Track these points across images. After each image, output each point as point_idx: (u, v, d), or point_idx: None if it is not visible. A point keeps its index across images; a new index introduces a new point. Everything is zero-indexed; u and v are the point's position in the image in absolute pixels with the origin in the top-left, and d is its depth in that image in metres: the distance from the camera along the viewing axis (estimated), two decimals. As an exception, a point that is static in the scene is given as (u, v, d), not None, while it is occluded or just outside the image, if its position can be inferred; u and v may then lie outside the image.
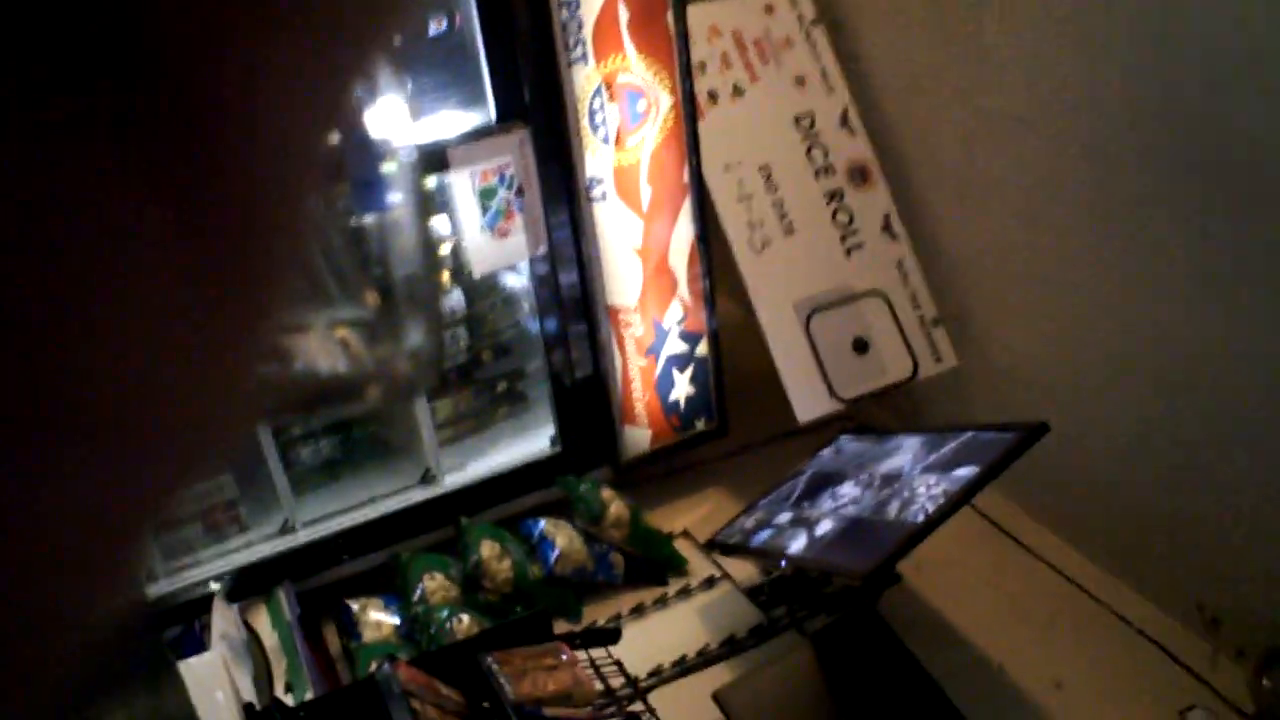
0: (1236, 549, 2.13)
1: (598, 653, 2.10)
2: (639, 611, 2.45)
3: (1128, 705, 2.15)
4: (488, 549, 2.38)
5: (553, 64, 2.24)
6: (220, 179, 0.19)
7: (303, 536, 2.43)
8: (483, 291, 2.61)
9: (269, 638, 2.25)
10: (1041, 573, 2.49)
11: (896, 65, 2.63)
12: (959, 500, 1.93)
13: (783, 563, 2.16)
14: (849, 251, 2.62)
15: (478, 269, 2.34)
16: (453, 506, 2.52)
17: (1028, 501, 2.64)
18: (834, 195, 2.63)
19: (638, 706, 2.03)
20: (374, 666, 1.87)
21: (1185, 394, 2.12)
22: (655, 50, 2.30)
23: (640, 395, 2.63)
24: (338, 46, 0.20)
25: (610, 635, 2.12)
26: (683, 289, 2.56)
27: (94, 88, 0.17)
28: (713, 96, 2.58)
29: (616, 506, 2.52)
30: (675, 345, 2.61)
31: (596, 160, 2.36)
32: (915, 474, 2.12)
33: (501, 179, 2.27)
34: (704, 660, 2.30)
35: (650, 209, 2.44)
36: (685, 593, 2.50)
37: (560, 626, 2.29)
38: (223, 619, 2.19)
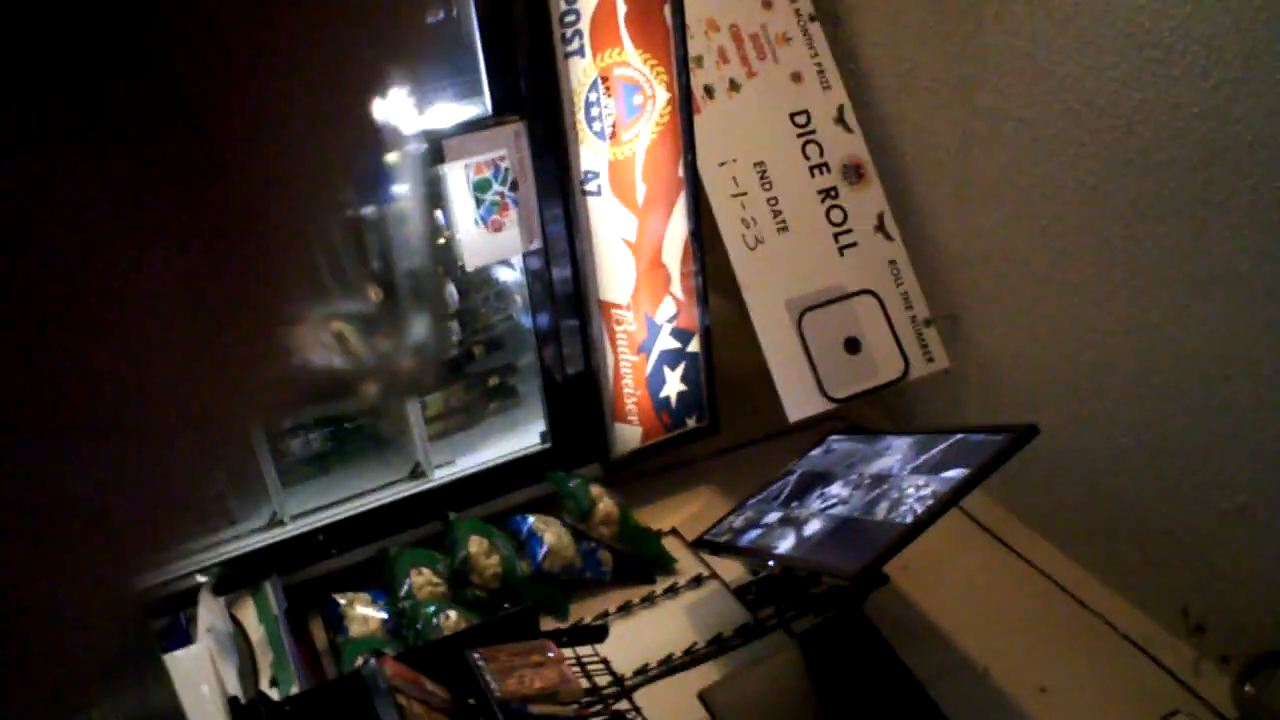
0: (1222, 555, 2.14)
1: (584, 650, 2.09)
2: (626, 609, 2.44)
3: (1111, 710, 2.16)
4: (476, 545, 2.37)
5: (549, 56, 2.23)
6: (224, 179, 0.19)
7: (291, 530, 2.42)
8: (475, 285, 2.59)
9: (255, 631, 2.24)
10: (1028, 576, 2.50)
11: (894, 63, 2.62)
12: (948, 502, 1.93)
13: (771, 562, 2.15)
14: (842, 250, 2.61)
15: (471, 263, 2.33)
16: (441, 501, 2.51)
17: (1016, 505, 2.65)
18: (828, 193, 2.62)
19: (623, 705, 2.03)
20: (360, 661, 1.86)
21: (1176, 399, 2.12)
22: (652, 43, 2.29)
23: (631, 392, 2.62)
24: (356, 46, 0.20)
25: (597, 633, 2.12)
26: (676, 285, 2.55)
27: (96, 88, 0.17)
28: (709, 91, 2.57)
29: (605, 503, 2.52)
30: (667, 342, 2.60)
31: (591, 154, 2.35)
32: (904, 475, 2.11)
33: (496, 172, 2.25)
34: (691, 659, 2.29)
35: (645, 204, 2.43)
36: (673, 591, 2.49)
37: (547, 623, 2.28)
38: (209, 612, 2.18)
